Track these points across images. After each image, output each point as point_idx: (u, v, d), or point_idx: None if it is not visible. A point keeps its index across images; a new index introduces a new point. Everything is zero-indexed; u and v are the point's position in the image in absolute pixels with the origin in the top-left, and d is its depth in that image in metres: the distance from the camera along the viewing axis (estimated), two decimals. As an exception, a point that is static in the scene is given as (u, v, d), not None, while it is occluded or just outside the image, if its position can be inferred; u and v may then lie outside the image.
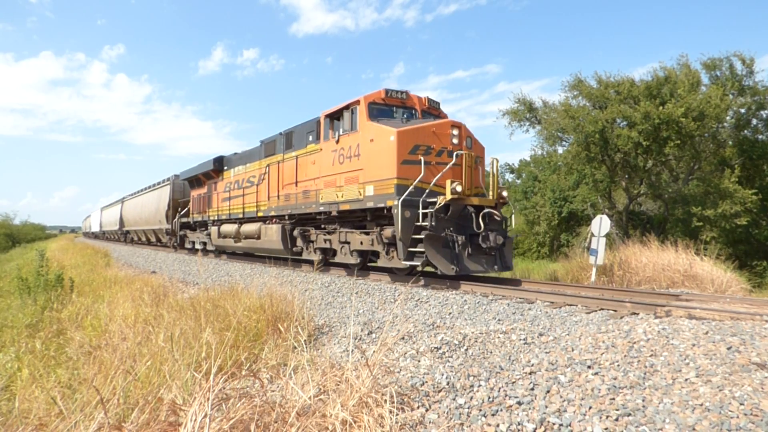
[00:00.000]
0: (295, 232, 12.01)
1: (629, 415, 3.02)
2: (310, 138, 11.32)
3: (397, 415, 3.29)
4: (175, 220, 21.97)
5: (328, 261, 11.55)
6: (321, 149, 10.73)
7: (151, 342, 5.11)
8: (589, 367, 3.88)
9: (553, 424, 3.04)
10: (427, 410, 3.47)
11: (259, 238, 13.50)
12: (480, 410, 3.36)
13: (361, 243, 9.71)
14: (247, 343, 5.49)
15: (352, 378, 3.55)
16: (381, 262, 9.54)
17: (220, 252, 18.77)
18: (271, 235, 12.70)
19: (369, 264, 10.91)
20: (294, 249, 12.28)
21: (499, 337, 5.08)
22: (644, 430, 2.85)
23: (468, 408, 3.42)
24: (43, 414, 3.84)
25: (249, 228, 14.11)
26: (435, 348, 4.84)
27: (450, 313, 6.68)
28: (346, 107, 9.93)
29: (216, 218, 17.13)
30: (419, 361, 4.54)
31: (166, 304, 7.77)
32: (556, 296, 6.92)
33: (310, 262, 12.17)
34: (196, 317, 6.08)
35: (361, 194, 9.33)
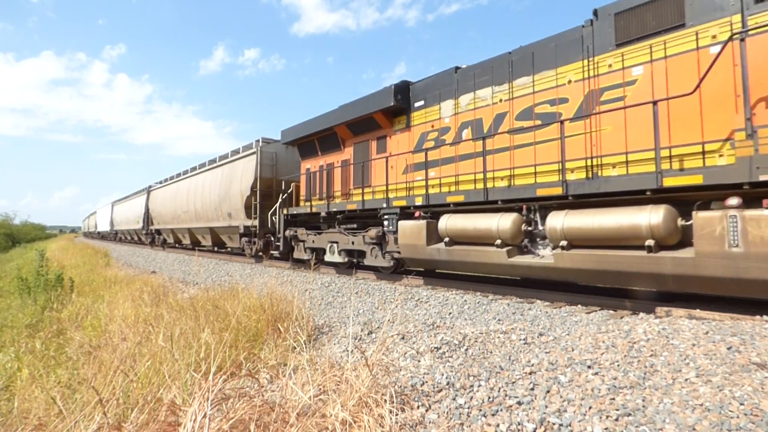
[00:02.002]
0: None
1: (629, 415, 3.02)
2: None
3: (397, 415, 3.29)
4: (272, 212, 13.51)
5: None
6: None
7: (151, 342, 5.11)
8: (589, 367, 3.87)
9: (553, 424, 3.04)
10: (427, 410, 3.46)
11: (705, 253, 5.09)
12: (480, 410, 3.36)
13: None
14: (246, 343, 5.49)
15: (351, 378, 3.54)
16: None
17: (406, 272, 9.83)
18: None
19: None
20: None
21: (499, 337, 5.08)
22: (644, 430, 2.84)
23: (468, 408, 3.42)
24: (43, 414, 3.85)
25: (613, 219, 5.77)
26: (435, 348, 4.84)
27: (450, 313, 6.68)
28: None
29: (418, 203, 8.54)
30: (419, 361, 4.53)
31: (165, 304, 7.78)
32: (556, 296, 6.91)
33: None
34: (195, 317, 6.09)
35: None
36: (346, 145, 11.34)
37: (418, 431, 3.22)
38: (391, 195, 9.60)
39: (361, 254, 10.57)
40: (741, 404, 2.96)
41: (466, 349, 4.79)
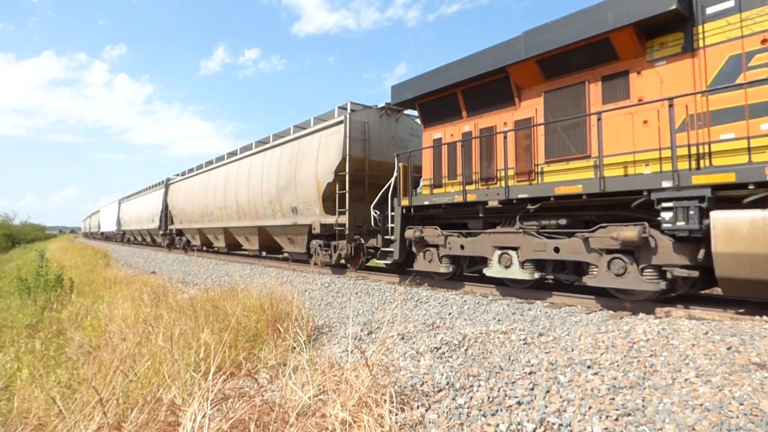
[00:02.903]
0: None
1: (629, 415, 3.02)
2: None
3: (396, 415, 3.29)
4: (374, 204, 9.84)
5: None
6: None
7: (151, 342, 5.11)
8: (588, 367, 3.88)
9: (553, 424, 3.04)
10: (426, 410, 3.47)
11: None
12: (480, 410, 3.36)
13: None
14: (245, 343, 5.50)
15: (351, 378, 3.55)
16: None
17: None
18: None
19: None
20: None
21: (498, 338, 5.08)
22: (644, 430, 2.84)
23: (468, 408, 3.42)
24: (43, 414, 3.85)
25: None
26: (435, 348, 4.84)
27: (450, 314, 6.68)
28: None
29: None
30: (419, 361, 4.54)
31: (165, 304, 7.79)
32: (556, 296, 6.91)
33: None
34: (195, 318, 6.09)
35: None
36: (528, 96, 7.27)
37: (417, 431, 3.22)
38: (650, 168, 5.81)
39: (560, 267, 6.86)
40: (741, 404, 2.96)
41: (466, 350, 4.79)
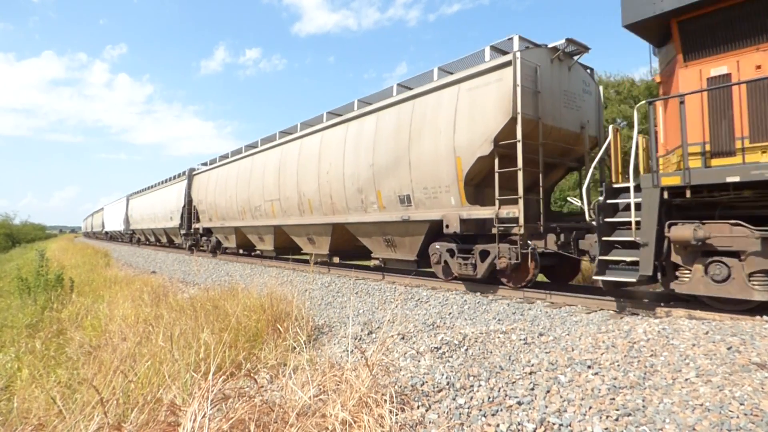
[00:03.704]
0: None
1: (629, 415, 3.02)
2: None
3: (397, 415, 3.29)
4: (586, 186, 6.27)
5: None
6: None
7: (151, 342, 5.11)
8: (589, 367, 3.87)
9: (553, 424, 3.04)
10: (427, 410, 3.47)
11: None
12: (480, 410, 3.36)
13: None
14: (246, 343, 5.50)
15: (351, 378, 3.55)
16: None
17: None
18: None
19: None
20: None
21: (499, 337, 5.08)
22: (644, 430, 2.84)
23: (468, 408, 3.42)
24: (43, 414, 3.85)
25: None
26: (435, 348, 4.84)
27: (450, 313, 6.67)
28: None
29: None
30: (419, 361, 4.53)
31: (165, 304, 7.79)
32: (557, 296, 6.91)
33: None
34: (195, 317, 6.09)
35: None
36: None
37: (418, 431, 3.22)
38: None
39: None
40: (741, 404, 2.96)
41: (466, 349, 4.79)
